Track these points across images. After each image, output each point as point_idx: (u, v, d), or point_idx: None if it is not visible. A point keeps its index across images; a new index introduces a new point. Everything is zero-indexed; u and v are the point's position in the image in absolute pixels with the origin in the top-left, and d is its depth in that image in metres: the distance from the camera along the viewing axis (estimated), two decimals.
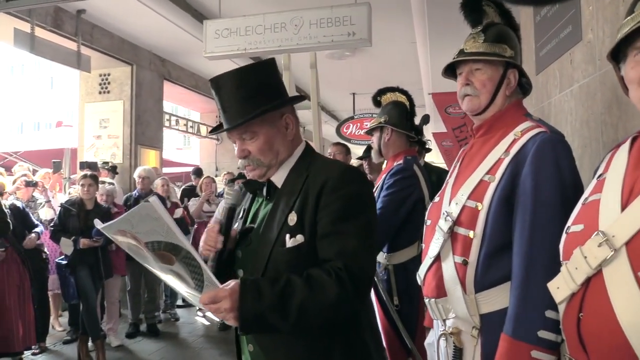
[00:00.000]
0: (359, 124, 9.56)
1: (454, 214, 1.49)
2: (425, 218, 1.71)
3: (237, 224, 1.52)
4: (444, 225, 1.51)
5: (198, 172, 7.48)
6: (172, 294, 6.30)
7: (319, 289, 1.19)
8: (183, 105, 10.45)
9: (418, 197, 2.57)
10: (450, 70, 1.72)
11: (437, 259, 1.53)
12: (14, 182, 5.02)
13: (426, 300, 1.62)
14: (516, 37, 1.66)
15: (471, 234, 1.44)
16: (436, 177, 3.52)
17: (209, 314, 6.07)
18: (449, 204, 1.54)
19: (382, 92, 2.85)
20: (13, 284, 4.26)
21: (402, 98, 2.83)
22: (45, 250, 4.77)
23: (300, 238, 1.30)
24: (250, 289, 1.18)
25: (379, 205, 2.55)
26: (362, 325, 1.37)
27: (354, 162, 5.61)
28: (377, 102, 2.88)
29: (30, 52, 5.15)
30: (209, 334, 5.46)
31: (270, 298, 1.17)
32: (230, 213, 1.46)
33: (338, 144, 4.61)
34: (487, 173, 1.47)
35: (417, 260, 2.70)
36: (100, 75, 6.83)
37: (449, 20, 5.66)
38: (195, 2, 5.89)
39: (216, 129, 1.50)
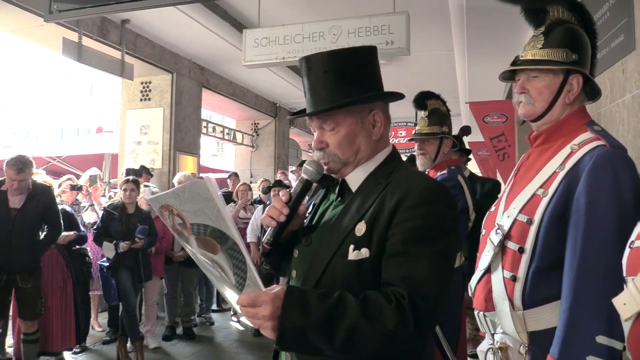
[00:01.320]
0: (393, 133, 9.54)
1: (505, 227, 1.44)
2: (482, 227, 1.65)
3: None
4: (494, 238, 1.46)
5: (234, 174, 7.60)
6: (207, 297, 6.39)
7: (375, 316, 1.04)
8: (219, 113, 10.62)
9: (462, 207, 2.55)
10: (510, 72, 1.62)
11: (487, 271, 1.49)
12: (59, 186, 5.19)
13: (475, 312, 1.59)
14: (588, 35, 1.50)
15: (520, 249, 1.39)
16: (480, 187, 3.48)
17: (243, 318, 6.08)
18: (502, 215, 1.50)
19: (428, 96, 2.81)
20: (56, 286, 4.39)
21: (444, 107, 2.82)
22: (89, 253, 4.91)
23: (365, 252, 1.15)
24: (296, 299, 1.05)
25: None
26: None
27: None
28: (422, 104, 2.81)
29: (77, 61, 5.33)
30: (244, 339, 5.50)
31: (316, 314, 1.03)
32: (304, 188, 1.31)
33: None
34: (541, 187, 1.40)
35: (459, 271, 2.69)
36: (142, 83, 7.02)
37: (488, 28, 5.64)
38: (235, 12, 6.01)
39: (298, 113, 1.37)
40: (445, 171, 2.61)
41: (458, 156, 3.50)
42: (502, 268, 1.43)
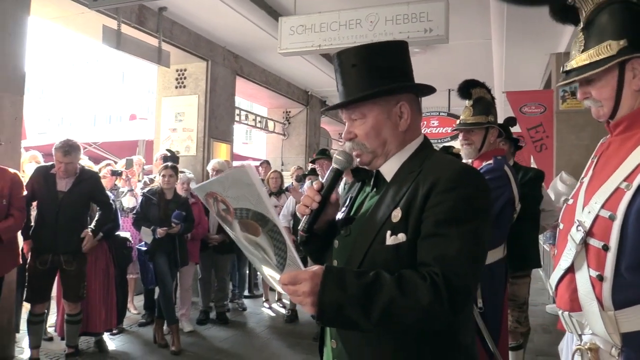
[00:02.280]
0: (425, 122, 9.44)
1: (586, 224, 1.35)
2: (559, 220, 1.57)
3: (342, 212, 1.46)
4: (576, 235, 1.37)
5: (266, 162, 7.65)
6: (239, 284, 6.48)
7: (410, 292, 1.09)
8: (252, 101, 10.67)
9: (508, 198, 2.51)
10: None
11: (570, 270, 1.41)
12: (98, 172, 5.31)
13: (559, 312, 1.50)
14: (631, 11, 1.34)
15: (605, 246, 1.30)
16: (521, 175, 3.42)
17: (285, 298, 6.19)
18: (582, 210, 1.40)
19: (473, 84, 2.75)
20: (99, 269, 4.53)
21: (488, 96, 2.76)
22: (129, 238, 5.02)
23: (402, 237, 1.20)
24: (334, 276, 1.11)
25: None
26: (458, 342, 1.25)
27: None
28: (467, 93, 2.74)
29: (116, 48, 5.41)
30: (276, 325, 5.56)
31: (354, 290, 1.09)
32: (335, 176, 1.39)
33: None
34: (625, 180, 1.29)
35: (502, 263, 2.66)
36: (177, 71, 7.09)
37: (528, 16, 5.49)
38: (271, 0, 6.00)
39: (330, 108, 1.47)
40: (491, 161, 2.57)
41: (507, 145, 3.45)
42: (588, 267, 1.35)
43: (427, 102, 9.83)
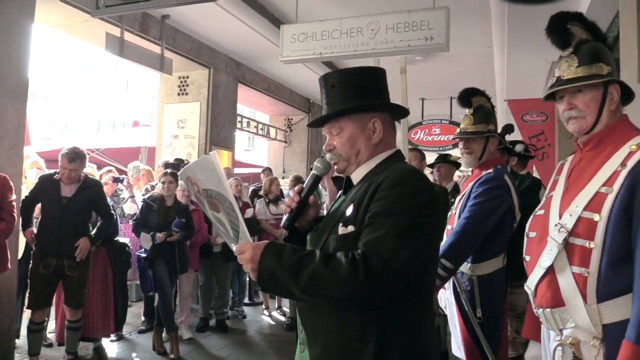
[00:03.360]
0: (427, 130, 9.44)
1: (568, 225, 1.52)
2: (527, 230, 1.74)
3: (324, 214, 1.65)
4: (557, 236, 1.54)
5: (269, 170, 7.65)
6: (240, 291, 6.46)
7: (333, 266, 1.24)
8: (254, 108, 10.70)
9: (508, 207, 2.50)
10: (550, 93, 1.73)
11: (550, 269, 1.56)
12: (100, 178, 5.32)
13: (539, 311, 1.63)
14: (607, 47, 1.68)
15: (590, 244, 1.46)
16: (518, 183, 3.41)
17: (285, 306, 6.17)
18: (560, 216, 1.57)
19: (473, 92, 2.75)
20: (97, 275, 4.52)
21: (488, 104, 2.76)
22: (129, 243, 5.02)
23: (350, 228, 1.35)
24: (273, 248, 1.30)
25: (465, 214, 2.49)
26: (399, 329, 1.32)
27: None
28: (467, 102, 2.74)
29: (119, 55, 5.45)
30: (276, 333, 5.54)
31: (288, 261, 1.27)
32: (314, 181, 1.57)
33: (413, 149, 4.56)
34: (604, 185, 1.50)
35: (501, 273, 2.64)
36: (180, 78, 7.13)
37: (530, 24, 5.49)
38: (273, 8, 6.03)
39: (313, 123, 1.63)
40: (491, 170, 2.55)
41: (500, 155, 3.43)
42: (570, 265, 1.50)
43: (428, 109, 9.85)
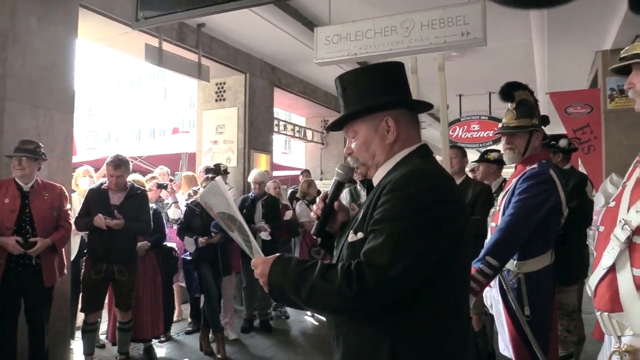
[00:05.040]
0: (465, 127, 9.27)
1: (633, 223, 1.37)
2: (598, 224, 1.60)
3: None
4: (620, 234, 1.40)
5: (307, 172, 7.69)
6: None
7: (328, 277, 1.23)
8: (289, 111, 10.78)
9: (554, 203, 2.44)
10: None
11: (612, 270, 1.42)
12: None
13: (598, 314, 1.49)
14: None
15: None
16: (578, 180, 3.31)
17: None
18: (627, 210, 1.42)
19: (516, 86, 2.68)
20: (147, 278, 4.68)
21: (532, 98, 2.70)
22: (176, 248, 5.16)
23: (360, 235, 1.33)
24: (280, 262, 1.33)
25: (509, 211, 2.45)
26: (413, 338, 1.27)
27: (471, 165, 5.46)
28: (509, 96, 2.67)
29: (158, 65, 5.60)
30: (319, 334, 5.56)
31: (291, 274, 1.29)
32: (337, 187, 1.57)
33: (453, 146, 4.50)
34: None
35: (549, 270, 2.58)
36: (217, 84, 7.26)
37: (570, 15, 5.34)
38: (306, 11, 6.06)
39: (328, 128, 1.66)
40: (535, 165, 2.49)
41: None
42: (631, 266, 1.36)
43: (466, 106, 9.67)
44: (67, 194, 3.94)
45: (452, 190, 1.33)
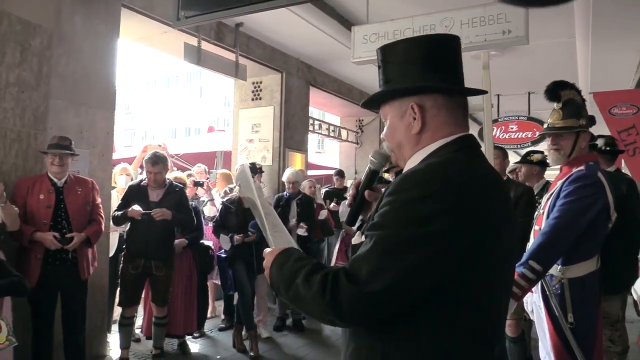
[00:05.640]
0: (503, 127, 9.08)
1: None
2: None
3: None
4: None
5: (341, 173, 7.67)
6: None
7: (309, 282, 1.13)
8: (324, 110, 10.78)
9: (602, 207, 2.34)
10: None
11: None
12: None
13: None
14: None
15: None
16: (626, 187, 3.18)
17: None
18: None
19: (562, 85, 2.59)
20: (183, 275, 4.75)
21: (579, 98, 2.61)
22: (212, 246, 5.22)
23: (362, 237, 1.22)
24: (280, 257, 1.25)
25: (554, 214, 2.37)
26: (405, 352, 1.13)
27: (511, 166, 5.33)
28: (555, 96, 2.59)
29: (197, 64, 5.67)
30: None
31: (286, 271, 1.20)
32: (370, 176, 1.46)
33: (495, 147, 4.41)
34: None
35: (595, 276, 2.48)
36: (253, 83, 7.31)
37: (616, 13, 5.14)
38: (343, 10, 6.04)
39: (364, 105, 1.43)
40: (582, 167, 2.40)
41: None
42: None
43: (505, 106, 9.45)
44: (97, 187, 4.00)
45: (473, 196, 1.10)
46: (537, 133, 8.58)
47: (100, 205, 3.96)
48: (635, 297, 1.49)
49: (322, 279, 1.10)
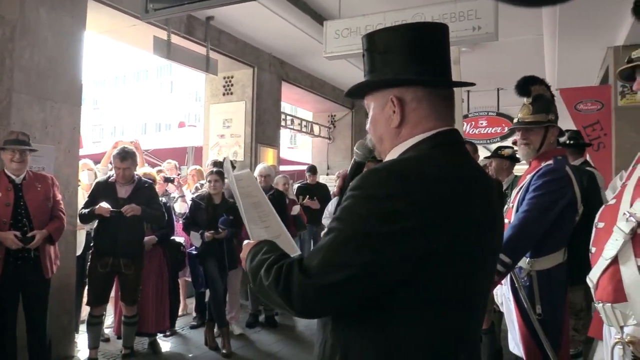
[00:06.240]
0: (473, 123, 9.22)
1: (638, 215, 1.43)
2: (596, 221, 1.66)
3: None
4: (624, 226, 1.45)
5: (313, 169, 7.65)
6: None
7: (269, 272, 1.12)
8: (297, 105, 10.76)
9: (569, 201, 2.39)
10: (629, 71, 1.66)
11: (615, 261, 1.48)
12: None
13: (599, 306, 1.54)
14: None
15: None
16: (586, 180, 3.26)
17: None
18: (630, 205, 1.49)
19: (532, 81, 2.62)
20: (153, 272, 4.66)
21: (548, 93, 2.65)
22: (184, 242, 5.15)
23: None
24: (255, 249, 1.24)
25: (524, 207, 2.41)
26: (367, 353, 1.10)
27: (481, 161, 5.42)
28: (526, 91, 2.61)
29: (166, 58, 5.57)
30: None
31: (255, 262, 1.19)
32: (355, 168, 1.47)
33: (466, 142, 4.46)
34: None
35: (562, 268, 2.54)
36: (224, 78, 7.23)
37: (582, 12, 5.27)
38: (315, 4, 6.02)
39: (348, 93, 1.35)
40: (551, 161, 2.45)
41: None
42: (635, 257, 1.42)
43: (474, 102, 9.61)
44: (57, 183, 3.83)
45: (441, 193, 1.05)
46: (506, 128, 8.75)
47: (61, 202, 3.82)
48: (591, 285, 1.57)
49: (278, 269, 1.10)
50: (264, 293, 1.15)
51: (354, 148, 1.48)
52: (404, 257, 1.03)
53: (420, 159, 1.13)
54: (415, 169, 1.08)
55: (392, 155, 1.20)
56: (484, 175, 1.23)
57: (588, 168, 3.76)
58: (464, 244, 1.07)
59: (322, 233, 1.21)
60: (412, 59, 1.17)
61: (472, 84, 1.32)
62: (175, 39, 5.69)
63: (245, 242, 1.35)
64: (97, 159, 6.20)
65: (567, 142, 3.85)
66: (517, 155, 3.32)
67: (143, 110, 50.64)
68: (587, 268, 3.37)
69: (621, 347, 1.44)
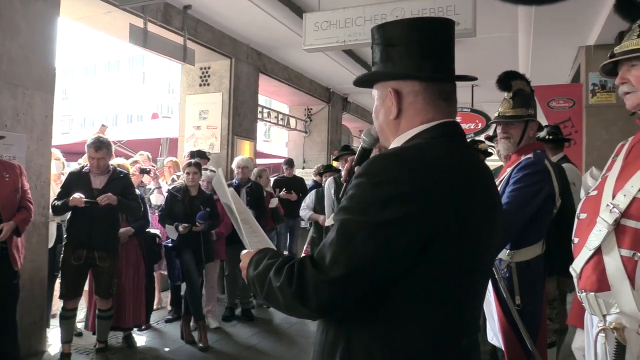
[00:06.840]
0: None
1: (621, 206, 1.46)
2: (578, 212, 1.69)
3: None
4: (608, 217, 1.48)
5: (290, 162, 7.62)
6: None
7: (279, 273, 1.11)
8: (273, 98, 10.70)
9: (548, 193, 2.44)
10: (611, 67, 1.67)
11: (597, 252, 1.51)
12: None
13: (582, 295, 1.57)
14: None
15: None
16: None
17: None
18: (612, 197, 1.51)
19: (514, 76, 2.66)
20: (129, 265, 4.58)
21: (528, 88, 2.70)
22: (160, 234, 5.06)
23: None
24: (255, 257, 1.23)
25: (504, 200, 2.44)
26: (370, 347, 1.11)
27: None
28: (507, 85, 2.64)
29: (142, 46, 5.45)
30: (303, 322, 5.53)
31: (260, 270, 1.18)
32: (362, 154, 1.48)
33: None
34: None
35: (540, 259, 2.59)
36: (201, 69, 7.13)
37: (556, 10, 5.38)
38: None
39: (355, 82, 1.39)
40: (530, 155, 2.49)
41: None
42: (619, 247, 1.45)
43: None
44: (25, 171, 3.68)
45: (438, 183, 1.07)
46: (480, 124, 8.88)
47: (29, 191, 3.68)
48: (574, 275, 1.62)
49: (290, 267, 1.09)
50: (273, 297, 1.13)
51: (362, 135, 1.50)
52: (410, 242, 1.04)
53: (423, 146, 1.15)
54: (420, 156, 1.10)
55: (395, 145, 1.23)
56: (485, 165, 1.28)
57: (566, 164, 3.83)
58: (466, 230, 1.10)
59: (327, 221, 1.22)
60: (413, 54, 1.20)
61: (474, 78, 1.32)
62: (152, 28, 5.58)
63: (244, 252, 1.32)
64: (67, 149, 6.05)
65: (547, 137, 3.93)
66: (496, 149, 3.37)
67: (114, 101, 49.59)
68: (560, 259, 3.46)
69: (604, 334, 1.48)
